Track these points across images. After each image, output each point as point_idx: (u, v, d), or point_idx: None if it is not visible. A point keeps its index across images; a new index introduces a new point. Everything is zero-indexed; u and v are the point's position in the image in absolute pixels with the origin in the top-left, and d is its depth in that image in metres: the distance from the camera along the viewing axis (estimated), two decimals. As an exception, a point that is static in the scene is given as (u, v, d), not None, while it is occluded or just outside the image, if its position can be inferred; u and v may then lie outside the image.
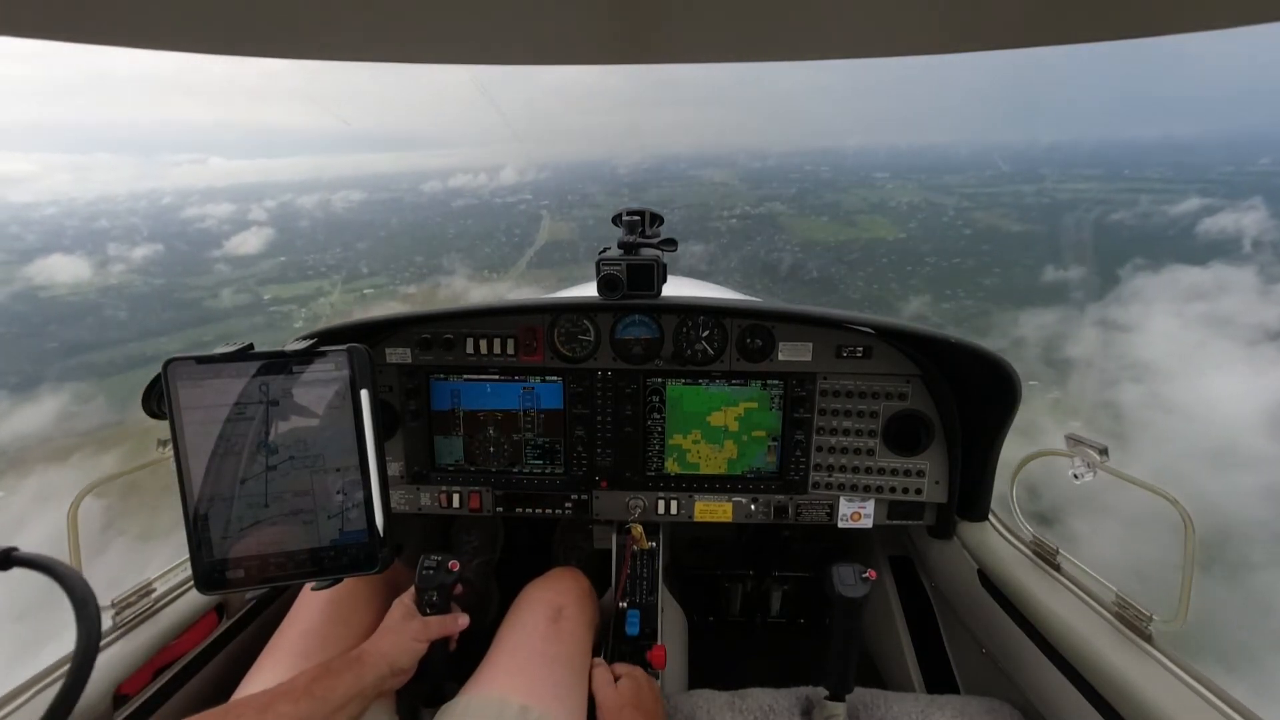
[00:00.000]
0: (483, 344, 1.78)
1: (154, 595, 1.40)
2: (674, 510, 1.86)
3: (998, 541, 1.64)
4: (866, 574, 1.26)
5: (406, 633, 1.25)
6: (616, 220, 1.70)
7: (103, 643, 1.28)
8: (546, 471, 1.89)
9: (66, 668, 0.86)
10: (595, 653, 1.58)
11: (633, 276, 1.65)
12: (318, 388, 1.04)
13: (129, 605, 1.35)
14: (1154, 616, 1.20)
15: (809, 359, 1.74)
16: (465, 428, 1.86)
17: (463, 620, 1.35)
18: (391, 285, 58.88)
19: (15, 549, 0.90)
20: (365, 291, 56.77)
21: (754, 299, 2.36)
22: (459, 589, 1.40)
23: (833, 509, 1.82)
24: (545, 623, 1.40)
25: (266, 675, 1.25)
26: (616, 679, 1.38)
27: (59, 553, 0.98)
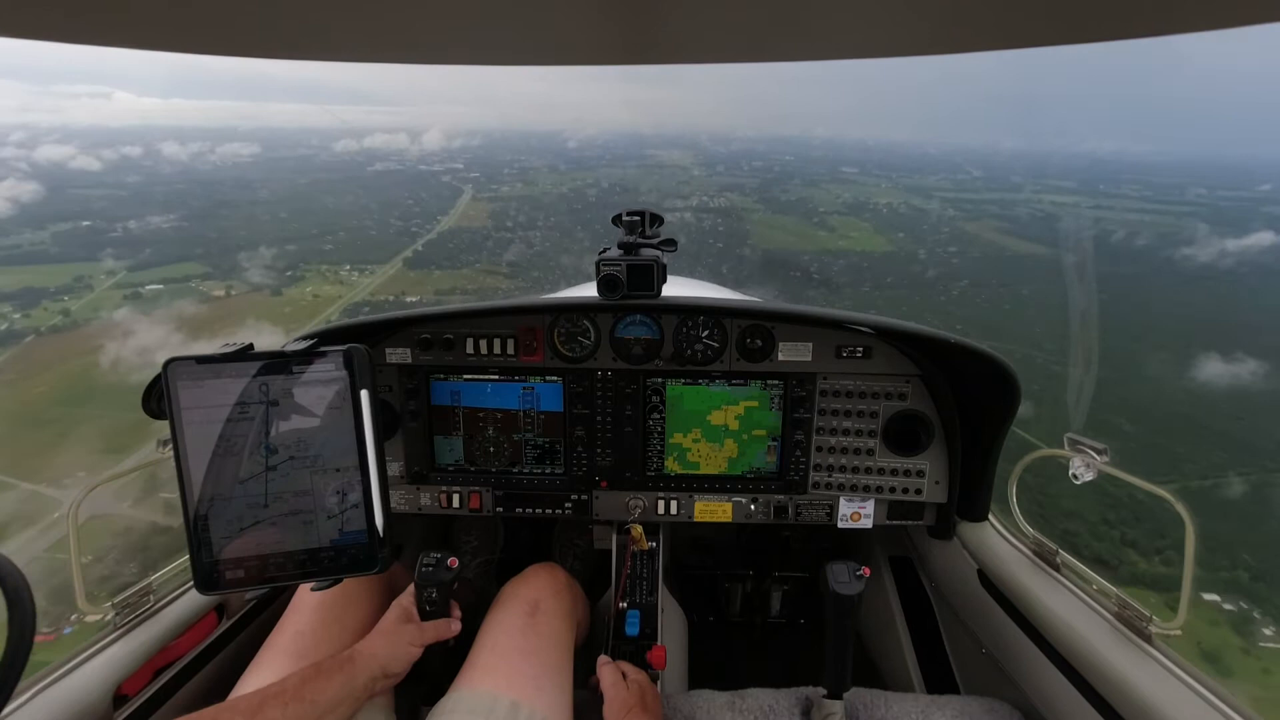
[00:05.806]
0: (483, 344, 1.78)
1: (154, 595, 1.40)
2: (674, 510, 1.86)
3: (998, 541, 1.64)
4: (861, 571, 1.26)
5: (402, 637, 1.26)
6: (616, 220, 1.70)
7: (103, 643, 1.28)
8: (546, 471, 1.88)
9: None
10: (584, 644, 1.58)
11: (633, 277, 1.65)
12: (318, 388, 1.04)
13: (129, 605, 1.35)
14: (1153, 617, 1.20)
15: (809, 359, 1.74)
16: (465, 428, 1.86)
17: (455, 627, 1.37)
18: (195, 280, 39.14)
19: None
20: (147, 287, 37.26)
21: (754, 299, 2.36)
22: (458, 587, 1.40)
23: (832, 509, 1.82)
24: (522, 618, 1.41)
25: (263, 675, 1.24)
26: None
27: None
